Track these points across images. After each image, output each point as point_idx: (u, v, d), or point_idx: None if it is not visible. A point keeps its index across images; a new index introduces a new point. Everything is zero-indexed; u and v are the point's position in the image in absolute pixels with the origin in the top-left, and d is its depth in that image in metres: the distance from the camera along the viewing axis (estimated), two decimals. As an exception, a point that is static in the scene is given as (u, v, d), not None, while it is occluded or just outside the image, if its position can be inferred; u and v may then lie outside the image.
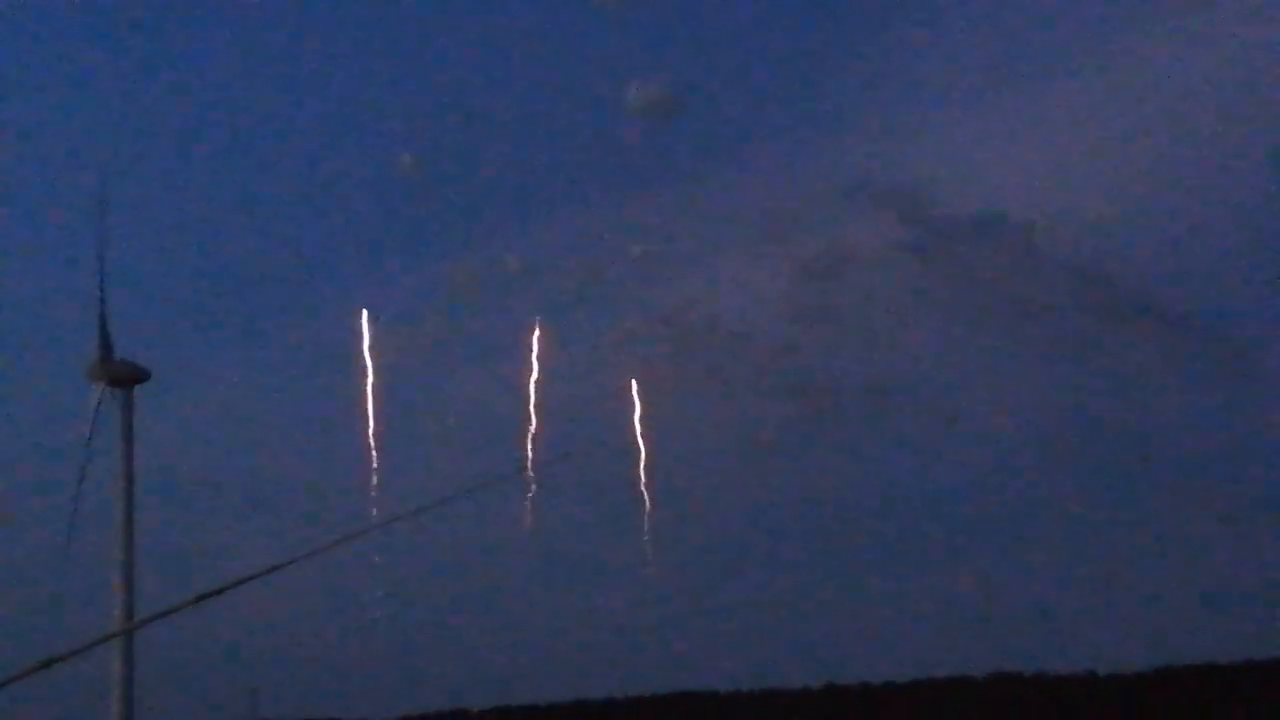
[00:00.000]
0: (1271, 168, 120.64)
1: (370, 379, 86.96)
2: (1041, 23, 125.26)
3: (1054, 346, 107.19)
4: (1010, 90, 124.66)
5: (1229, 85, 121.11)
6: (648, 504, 77.57)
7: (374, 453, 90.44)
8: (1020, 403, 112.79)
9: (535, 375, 78.34)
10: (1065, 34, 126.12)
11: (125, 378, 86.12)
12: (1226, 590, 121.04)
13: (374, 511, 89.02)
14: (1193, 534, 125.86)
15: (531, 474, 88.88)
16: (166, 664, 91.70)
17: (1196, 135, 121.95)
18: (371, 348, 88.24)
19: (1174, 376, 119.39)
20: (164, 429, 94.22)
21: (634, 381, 74.09)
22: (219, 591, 42.09)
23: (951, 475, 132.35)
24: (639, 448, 75.72)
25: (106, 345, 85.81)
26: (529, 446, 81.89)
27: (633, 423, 72.45)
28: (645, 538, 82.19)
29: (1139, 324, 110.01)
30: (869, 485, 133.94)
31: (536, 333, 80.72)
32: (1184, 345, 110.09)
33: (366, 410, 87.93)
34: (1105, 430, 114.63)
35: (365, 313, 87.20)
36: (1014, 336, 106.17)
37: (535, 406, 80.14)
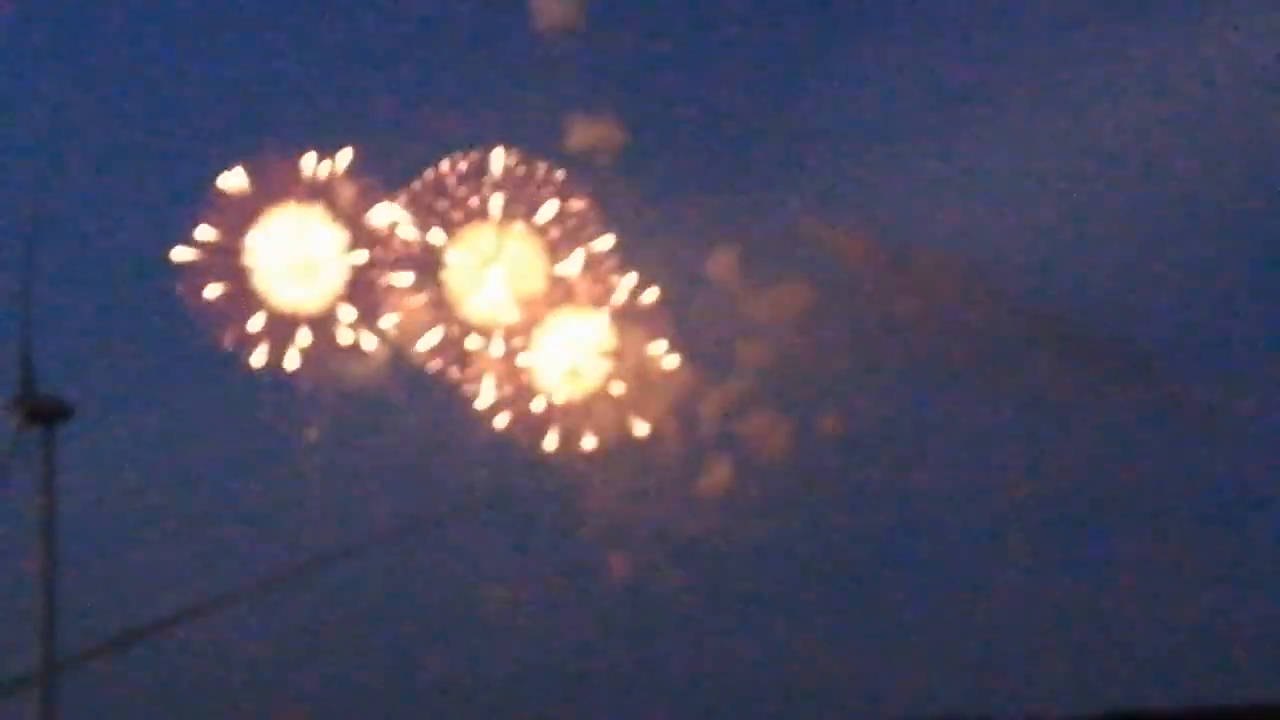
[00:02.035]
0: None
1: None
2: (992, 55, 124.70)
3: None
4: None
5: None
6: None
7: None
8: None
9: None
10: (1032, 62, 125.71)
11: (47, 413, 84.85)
12: None
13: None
14: None
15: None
16: (92, 708, 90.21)
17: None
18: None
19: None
20: (87, 466, 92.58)
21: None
22: (143, 634, 41.12)
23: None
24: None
25: (28, 380, 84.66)
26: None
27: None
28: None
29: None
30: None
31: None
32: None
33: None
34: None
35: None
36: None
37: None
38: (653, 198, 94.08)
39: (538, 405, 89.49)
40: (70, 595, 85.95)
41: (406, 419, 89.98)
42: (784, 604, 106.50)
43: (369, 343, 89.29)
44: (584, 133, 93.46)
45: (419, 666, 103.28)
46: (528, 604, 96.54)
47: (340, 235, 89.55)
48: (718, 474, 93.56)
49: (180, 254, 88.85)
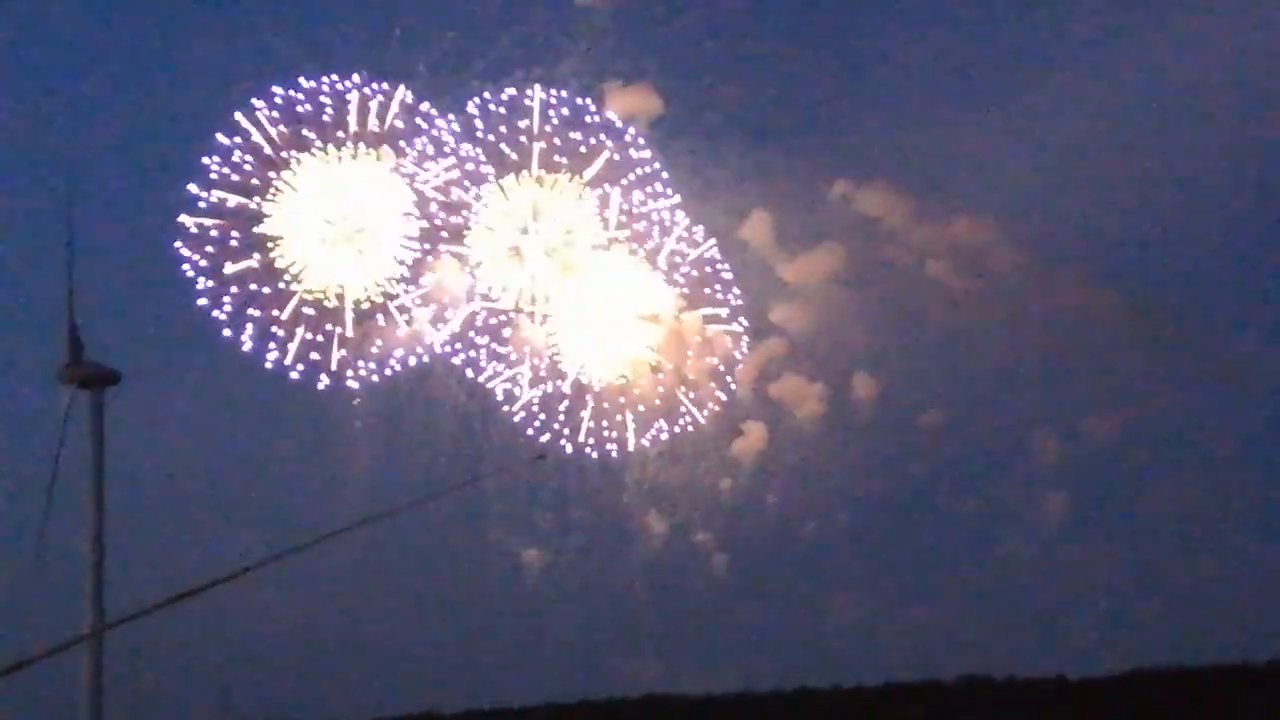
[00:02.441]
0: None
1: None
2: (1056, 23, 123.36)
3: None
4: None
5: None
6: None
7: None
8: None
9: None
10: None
11: (95, 380, 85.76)
12: None
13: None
14: None
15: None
16: (137, 665, 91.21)
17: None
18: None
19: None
20: (135, 431, 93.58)
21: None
22: (192, 593, 42.17)
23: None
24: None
25: (76, 347, 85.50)
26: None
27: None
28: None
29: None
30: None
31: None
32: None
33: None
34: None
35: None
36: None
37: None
38: (690, 164, 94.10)
39: (577, 370, 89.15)
40: (118, 555, 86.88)
41: (449, 386, 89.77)
42: (815, 567, 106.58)
43: (421, 315, 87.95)
44: (621, 101, 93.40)
45: (461, 630, 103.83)
46: (565, 569, 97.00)
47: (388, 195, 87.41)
48: (753, 438, 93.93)
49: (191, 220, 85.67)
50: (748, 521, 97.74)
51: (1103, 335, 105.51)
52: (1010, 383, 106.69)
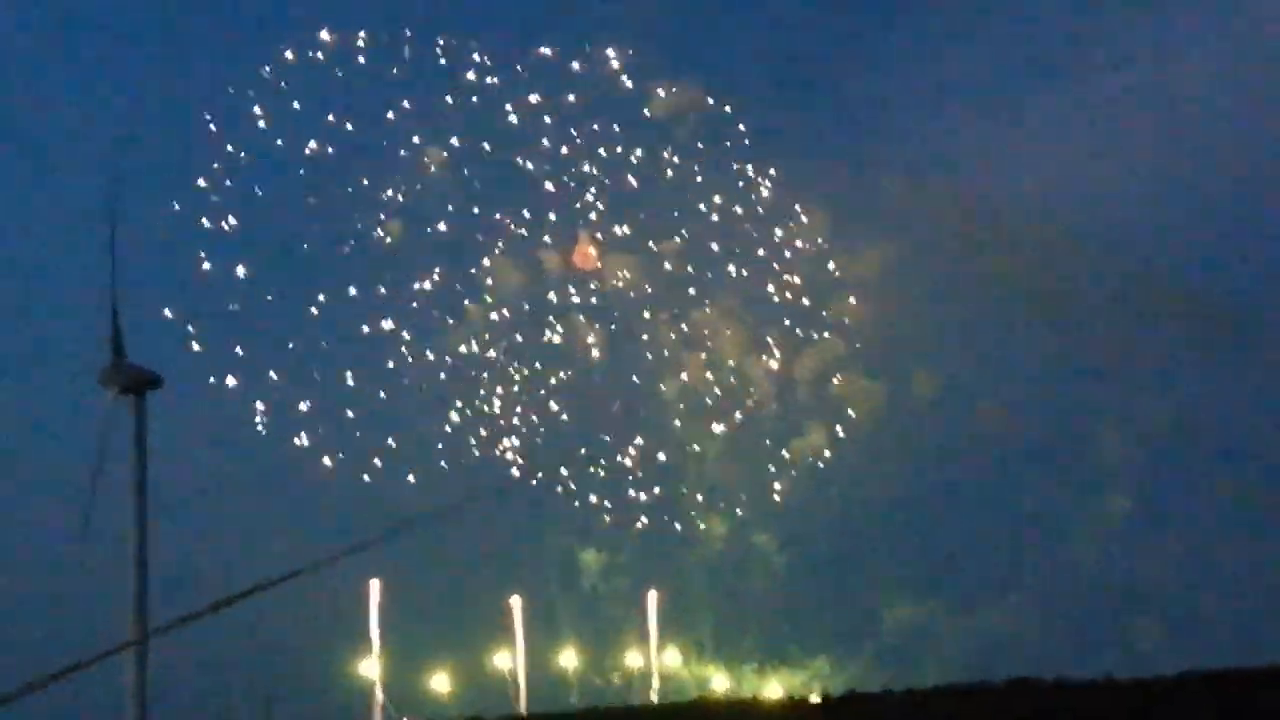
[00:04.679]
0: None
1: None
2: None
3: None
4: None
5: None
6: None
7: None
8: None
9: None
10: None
11: (137, 383, 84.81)
12: None
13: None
14: None
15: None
16: (180, 672, 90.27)
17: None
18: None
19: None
20: (176, 435, 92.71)
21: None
22: (235, 599, 40.88)
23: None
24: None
25: (119, 350, 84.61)
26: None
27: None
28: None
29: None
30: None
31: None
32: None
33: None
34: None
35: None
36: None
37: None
38: (736, 162, 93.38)
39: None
40: (162, 562, 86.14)
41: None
42: (871, 564, 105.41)
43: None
44: (667, 99, 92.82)
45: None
46: (621, 566, 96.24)
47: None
48: (813, 437, 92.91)
49: None
50: (807, 522, 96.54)
51: (1166, 334, 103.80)
52: (1073, 383, 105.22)
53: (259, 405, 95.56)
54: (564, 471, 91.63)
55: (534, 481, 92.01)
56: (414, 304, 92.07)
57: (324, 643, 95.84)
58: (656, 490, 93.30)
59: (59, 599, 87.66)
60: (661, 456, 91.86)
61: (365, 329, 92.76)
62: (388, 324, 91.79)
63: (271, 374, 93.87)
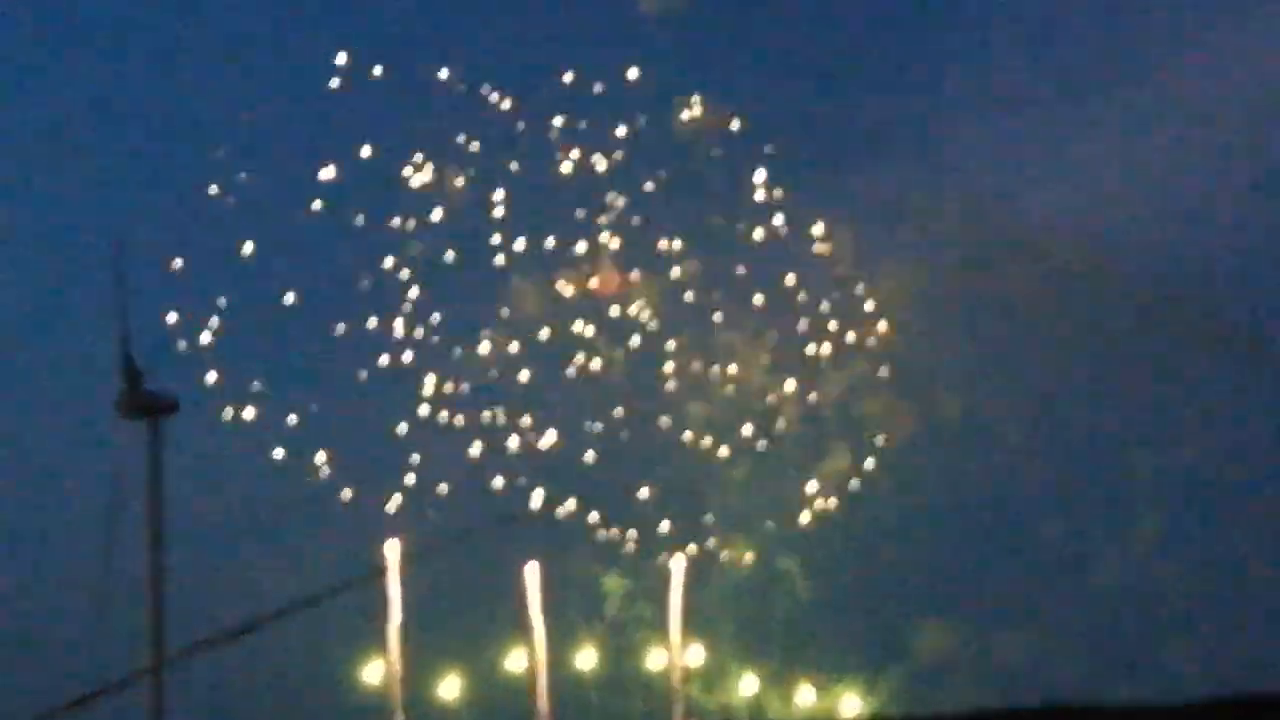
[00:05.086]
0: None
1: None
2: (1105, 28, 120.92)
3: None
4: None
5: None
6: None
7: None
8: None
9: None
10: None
11: (153, 408, 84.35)
12: None
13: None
14: None
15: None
16: (198, 699, 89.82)
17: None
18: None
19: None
20: (192, 460, 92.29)
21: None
22: (251, 628, 40.18)
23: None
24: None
25: (133, 376, 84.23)
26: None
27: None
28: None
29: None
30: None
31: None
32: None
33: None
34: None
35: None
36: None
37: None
38: (761, 184, 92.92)
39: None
40: (178, 590, 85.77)
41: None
42: (898, 588, 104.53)
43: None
44: (692, 115, 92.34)
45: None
46: (643, 595, 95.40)
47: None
48: (839, 461, 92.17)
49: None
50: (832, 546, 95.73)
51: (1197, 356, 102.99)
52: (1103, 404, 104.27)
53: (275, 436, 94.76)
54: (584, 500, 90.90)
55: (554, 512, 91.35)
56: (435, 337, 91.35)
57: (339, 668, 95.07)
58: (680, 516, 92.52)
59: (78, 626, 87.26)
60: (685, 481, 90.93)
61: (385, 359, 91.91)
62: (408, 357, 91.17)
63: (290, 409, 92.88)
